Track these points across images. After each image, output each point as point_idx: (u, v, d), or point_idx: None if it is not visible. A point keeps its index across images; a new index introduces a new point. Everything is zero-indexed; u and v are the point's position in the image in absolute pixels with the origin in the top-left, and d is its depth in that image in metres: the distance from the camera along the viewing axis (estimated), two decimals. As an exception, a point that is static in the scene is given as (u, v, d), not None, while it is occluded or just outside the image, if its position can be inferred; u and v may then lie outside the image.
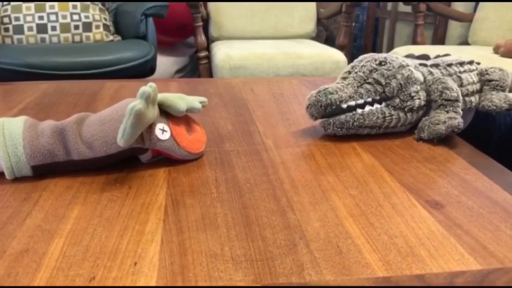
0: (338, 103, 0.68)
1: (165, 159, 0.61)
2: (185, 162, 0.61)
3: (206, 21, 2.38)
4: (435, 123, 0.68)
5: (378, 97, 0.70)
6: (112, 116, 0.56)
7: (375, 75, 0.70)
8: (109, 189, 0.54)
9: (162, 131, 0.58)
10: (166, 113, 0.60)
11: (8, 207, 0.49)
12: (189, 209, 0.49)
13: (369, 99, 0.70)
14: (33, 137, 0.55)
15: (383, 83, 0.69)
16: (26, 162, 0.54)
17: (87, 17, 1.92)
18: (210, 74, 2.11)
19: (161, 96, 0.59)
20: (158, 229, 0.45)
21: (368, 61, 0.71)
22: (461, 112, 0.69)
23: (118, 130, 0.53)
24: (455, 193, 0.54)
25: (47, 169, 0.56)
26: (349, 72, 0.72)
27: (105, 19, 1.98)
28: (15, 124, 0.55)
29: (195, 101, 0.63)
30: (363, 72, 0.70)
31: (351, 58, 3.26)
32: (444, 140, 0.69)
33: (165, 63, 2.49)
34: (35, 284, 0.37)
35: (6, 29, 1.84)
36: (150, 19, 1.93)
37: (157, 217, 0.48)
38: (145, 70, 1.80)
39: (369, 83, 0.70)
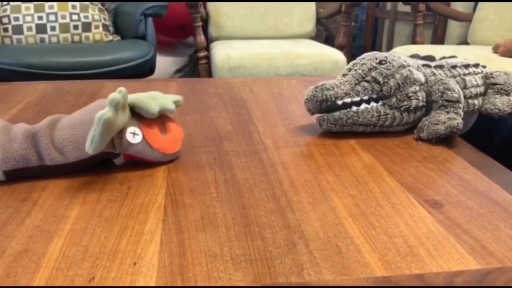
0: (333, 99, 0.69)
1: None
2: (184, 162, 0.61)
3: (205, 21, 2.38)
4: (434, 123, 0.68)
5: (375, 96, 0.70)
6: (82, 119, 0.55)
7: (373, 74, 0.70)
8: (108, 189, 0.54)
9: (133, 135, 0.57)
10: (138, 114, 0.58)
11: (7, 207, 0.49)
12: (189, 209, 0.49)
13: (366, 97, 0.70)
14: (6, 142, 0.54)
15: (381, 82, 0.69)
16: None
17: (86, 17, 1.92)
18: (209, 74, 2.11)
19: (133, 98, 0.58)
20: (158, 229, 0.45)
21: (368, 60, 0.71)
22: (461, 113, 0.69)
23: (88, 134, 0.52)
24: (454, 193, 0.54)
25: (20, 174, 0.55)
26: (350, 70, 0.72)
27: (104, 19, 1.98)
28: None
29: (169, 101, 0.61)
30: (362, 70, 0.71)
31: (350, 58, 3.26)
32: (444, 140, 0.69)
33: (165, 63, 2.49)
34: (35, 284, 0.37)
35: (5, 29, 1.84)
36: (150, 19, 1.93)
37: (156, 217, 0.48)
38: (144, 70, 1.80)
39: (367, 81, 0.70)
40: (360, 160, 0.63)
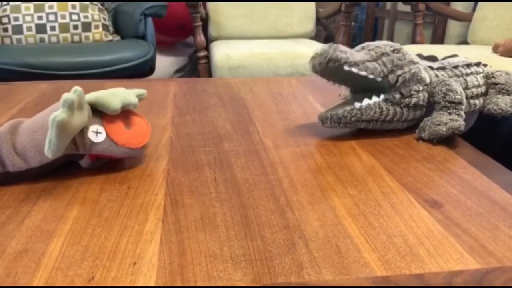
0: (342, 62, 0.66)
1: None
2: (183, 162, 0.61)
3: (205, 21, 2.38)
4: (436, 123, 0.68)
5: (379, 79, 0.68)
6: (43, 123, 0.53)
7: (384, 59, 0.69)
8: (108, 188, 0.54)
9: (96, 133, 0.55)
10: (100, 112, 0.57)
11: (7, 207, 0.49)
12: (188, 209, 0.49)
13: (371, 76, 0.68)
14: None
15: (389, 69, 0.69)
16: None
17: (86, 17, 1.92)
18: (209, 74, 2.11)
19: (92, 96, 0.56)
20: (157, 229, 0.45)
21: (384, 45, 0.71)
22: (463, 115, 0.69)
23: None
24: (454, 193, 0.54)
25: None
26: (363, 48, 0.71)
27: (104, 19, 1.98)
28: None
29: (131, 95, 0.59)
30: (376, 52, 0.69)
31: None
32: (444, 140, 0.69)
33: (165, 63, 2.49)
34: (34, 284, 0.37)
35: (5, 29, 1.84)
36: (149, 19, 1.93)
37: (156, 217, 0.48)
38: (144, 70, 1.80)
39: (378, 63, 0.69)
40: (359, 160, 0.63)
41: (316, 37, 2.61)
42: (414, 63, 0.70)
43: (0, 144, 0.53)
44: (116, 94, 0.58)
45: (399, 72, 0.69)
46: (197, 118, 0.80)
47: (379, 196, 0.53)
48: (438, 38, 2.63)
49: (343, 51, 0.66)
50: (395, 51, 0.70)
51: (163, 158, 0.63)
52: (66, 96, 0.49)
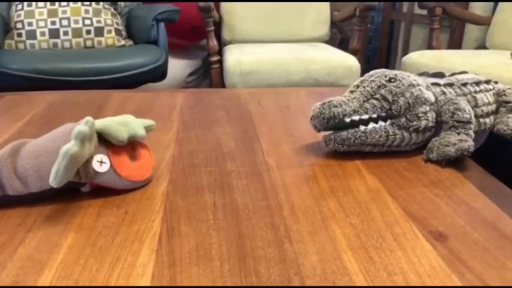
0: (341, 116, 0.66)
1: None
2: (184, 184, 0.60)
3: (218, 24, 2.36)
4: (444, 144, 0.66)
5: (383, 114, 0.68)
6: (47, 147, 0.53)
7: (382, 91, 0.68)
8: (105, 213, 0.53)
9: (101, 163, 0.54)
10: (107, 140, 0.56)
11: (2, 233, 0.49)
12: (184, 238, 0.48)
13: (374, 115, 0.68)
14: None
15: (390, 100, 0.67)
16: None
17: (99, 21, 1.92)
18: (221, 79, 2.10)
19: (101, 124, 0.56)
20: (150, 261, 0.44)
21: (377, 77, 0.69)
22: (472, 134, 0.67)
23: (53, 162, 0.49)
24: (460, 223, 0.52)
25: None
26: (358, 86, 0.70)
27: (117, 23, 1.98)
28: None
29: (139, 127, 0.59)
30: (371, 87, 0.68)
31: (365, 61, 3.23)
32: (453, 161, 0.67)
33: (178, 66, 2.48)
34: (20, 323, 0.37)
35: (19, 34, 1.86)
36: (162, 24, 1.92)
37: (150, 247, 0.47)
38: (156, 76, 1.80)
39: (376, 98, 0.68)
40: (364, 183, 0.61)
41: (330, 40, 2.59)
42: (414, 85, 0.68)
43: (0, 168, 0.53)
44: (125, 124, 0.58)
45: (401, 100, 0.67)
46: (201, 134, 0.79)
47: (382, 226, 0.51)
48: (455, 42, 2.58)
49: (337, 105, 0.66)
50: (392, 80, 0.68)
51: (163, 179, 0.62)
52: (79, 129, 0.49)
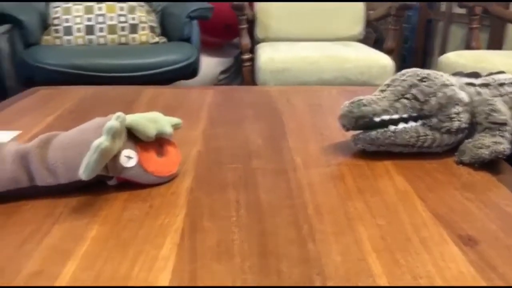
0: (370, 115, 0.65)
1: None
2: (208, 180, 0.60)
3: (252, 21, 2.36)
4: (478, 146, 0.64)
5: (415, 114, 0.66)
6: (76, 140, 0.54)
7: (414, 91, 0.66)
8: (130, 207, 0.53)
9: (128, 158, 0.55)
10: (135, 136, 0.57)
11: (31, 223, 0.50)
12: (206, 233, 0.48)
13: (405, 115, 0.66)
14: None
15: (422, 100, 0.66)
16: None
17: (133, 18, 1.95)
18: (253, 77, 2.10)
19: (131, 120, 0.56)
20: (172, 255, 0.44)
21: (409, 76, 0.68)
22: (509, 137, 0.65)
23: (82, 155, 0.50)
24: (492, 228, 0.50)
25: (11, 195, 0.54)
26: (388, 85, 0.69)
27: (151, 20, 2.01)
28: None
29: (167, 124, 0.60)
30: (402, 87, 0.67)
31: (400, 61, 3.17)
32: (487, 164, 0.65)
33: (210, 64, 2.50)
34: (42, 312, 0.37)
35: (57, 31, 1.91)
36: (195, 22, 1.94)
37: (172, 241, 0.47)
38: (187, 73, 1.81)
39: (407, 98, 0.66)
40: (393, 184, 0.60)
41: (365, 39, 2.55)
42: (446, 85, 0.66)
43: (31, 159, 0.54)
44: (155, 121, 0.59)
45: (433, 100, 0.65)
46: (228, 131, 0.79)
47: (409, 228, 0.50)
48: (496, 42, 2.50)
49: (366, 104, 0.65)
50: (424, 80, 0.66)
51: (189, 175, 0.62)
52: (111, 124, 0.50)
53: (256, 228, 0.49)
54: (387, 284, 0.41)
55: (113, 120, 0.51)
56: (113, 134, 0.51)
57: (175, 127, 0.63)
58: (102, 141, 0.49)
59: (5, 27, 1.81)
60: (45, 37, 1.90)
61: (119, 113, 0.53)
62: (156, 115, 0.60)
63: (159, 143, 0.60)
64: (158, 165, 0.58)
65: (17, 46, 1.70)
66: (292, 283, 0.40)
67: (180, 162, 0.62)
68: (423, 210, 0.54)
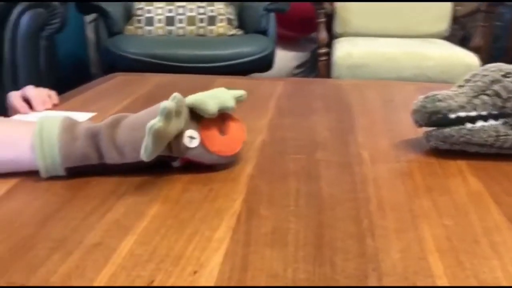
0: (445, 112, 0.61)
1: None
2: (270, 169, 0.60)
3: (330, 16, 2.33)
4: None
5: (495, 112, 0.61)
6: (143, 121, 0.54)
7: (496, 87, 0.61)
8: (190, 189, 0.54)
9: (191, 139, 0.56)
10: (198, 115, 0.57)
11: (95, 197, 0.52)
12: (262, 220, 0.48)
13: (484, 113, 0.62)
14: (69, 140, 0.55)
15: (505, 97, 0.61)
16: (60, 164, 0.55)
17: (212, 10, 1.99)
18: (328, 72, 2.07)
19: (191, 99, 0.57)
20: (226, 237, 0.44)
21: (492, 71, 0.63)
22: None
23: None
24: None
25: (80, 171, 0.56)
26: (468, 81, 0.64)
27: (229, 13, 2.04)
28: (53, 125, 0.56)
29: (230, 99, 0.59)
30: (483, 82, 0.62)
31: (489, 61, 2.97)
32: None
33: (286, 58, 2.49)
34: (98, 281, 0.38)
35: (139, 21, 1.99)
36: (272, 14, 1.94)
37: (228, 225, 0.47)
38: (263, 65, 1.82)
39: (487, 94, 0.62)
40: (465, 185, 0.56)
41: (451, 36, 2.42)
42: None
43: (101, 137, 0.56)
44: (216, 97, 0.58)
45: None
46: (295, 122, 0.78)
47: (479, 231, 0.46)
48: None
49: (441, 99, 0.61)
50: (508, 75, 0.61)
51: (250, 162, 0.62)
52: (164, 104, 0.51)
53: (314, 219, 0.48)
54: (447, 285, 0.38)
55: (168, 101, 0.52)
56: (167, 115, 0.51)
57: (238, 99, 0.62)
58: (155, 122, 0.50)
59: (92, 16, 1.91)
60: (128, 27, 1.99)
61: (175, 94, 0.53)
62: (217, 90, 0.60)
63: (222, 119, 0.60)
64: (221, 144, 0.58)
65: (102, 35, 1.80)
66: (345, 276, 0.39)
67: (245, 139, 0.62)
68: (497, 213, 0.50)
